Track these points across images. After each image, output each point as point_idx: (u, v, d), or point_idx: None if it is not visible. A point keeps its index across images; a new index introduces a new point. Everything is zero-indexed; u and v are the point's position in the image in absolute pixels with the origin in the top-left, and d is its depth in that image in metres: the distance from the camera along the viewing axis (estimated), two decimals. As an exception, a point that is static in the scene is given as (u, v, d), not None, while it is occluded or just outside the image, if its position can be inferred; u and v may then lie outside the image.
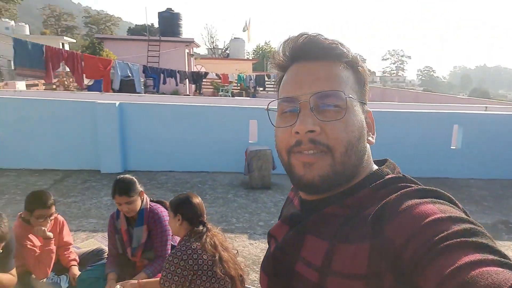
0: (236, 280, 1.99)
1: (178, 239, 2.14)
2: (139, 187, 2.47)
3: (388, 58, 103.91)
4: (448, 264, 0.45)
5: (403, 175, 0.67)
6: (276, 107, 0.71)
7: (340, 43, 0.67)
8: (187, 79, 12.03)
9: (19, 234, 2.40)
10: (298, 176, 0.65)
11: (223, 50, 36.08)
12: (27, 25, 32.29)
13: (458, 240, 0.48)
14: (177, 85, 12.04)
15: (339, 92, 0.63)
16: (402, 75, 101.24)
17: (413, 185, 0.63)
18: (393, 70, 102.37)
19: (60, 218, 2.71)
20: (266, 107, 0.74)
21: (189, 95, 15.31)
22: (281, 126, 0.67)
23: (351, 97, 0.65)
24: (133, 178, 2.50)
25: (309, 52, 0.66)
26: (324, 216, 0.65)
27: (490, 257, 0.45)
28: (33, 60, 8.20)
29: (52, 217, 2.49)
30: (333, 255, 0.60)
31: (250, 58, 34.57)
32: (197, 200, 2.10)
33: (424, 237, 0.50)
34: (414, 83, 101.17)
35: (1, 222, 1.93)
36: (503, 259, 0.45)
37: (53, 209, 2.46)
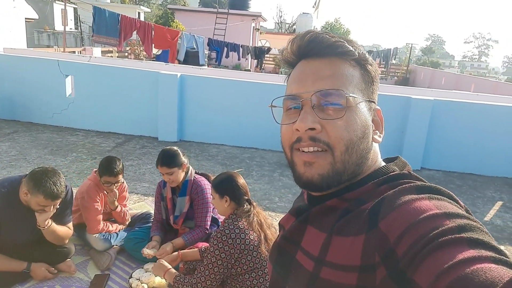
0: None
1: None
2: (182, 160, 2.58)
3: (471, 42, 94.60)
4: (443, 260, 0.45)
5: (409, 172, 0.66)
6: (282, 104, 0.72)
7: (347, 41, 0.67)
8: (249, 54, 12.08)
9: (90, 190, 2.65)
10: (298, 173, 0.67)
11: (290, 25, 35.36)
12: (108, -7, 34.22)
13: (453, 236, 0.47)
14: (239, 59, 12.14)
15: (340, 91, 0.64)
16: (485, 61, 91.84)
17: (416, 181, 0.62)
18: (475, 55, 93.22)
19: (125, 184, 2.95)
20: (270, 104, 0.75)
21: (249, 71, 15.38)
22: (284, 123, 0.69)
23: (352, 95, 0.64)
24: (177, 150, 2.59)
25: (314, 49, 0.67)
26: (324, 209, 0.67)
27: (485, 253, 0.45)
28: (109, 28, 8.77)
29: (118, 184, 2.71)
30: (329, 247, 0.62)
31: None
32: (241, 180, 2.13)
33: (419, 233, 0.50)
34: (497, 71, 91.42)
35: (59, 180, 2.13)
36: (498, 256, 0.45)
37: (120, 177, 2.66)
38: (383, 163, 0.72)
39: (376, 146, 0.71)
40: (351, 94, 0.64)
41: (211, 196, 2.14)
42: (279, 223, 0.81)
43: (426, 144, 5.28)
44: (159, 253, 2.45)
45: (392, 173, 0.66)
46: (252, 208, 2.03)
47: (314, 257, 0.64)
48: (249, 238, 1.92)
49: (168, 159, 2.52)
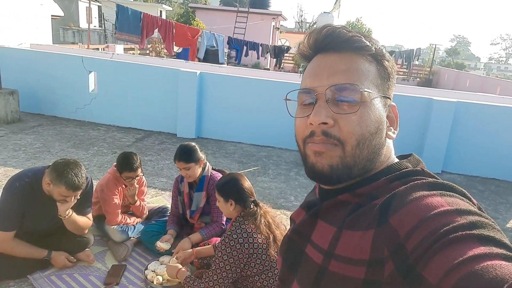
0: None
1: None
2: (200, 156, 2.60)
3: (498, 43, 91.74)
4: (453, 256, 0.45)
5: (422, 169, 0.66)
6: (297, 98, 0.72)
7: (364, 36, 0.67)
8: (268, 53, 12.07)
9: (110, 183, 2.73)
10: (310, 164, 0.68)
11: (310, 25, 35.15)
12: (131, -8, 34.75)
13: (464, 233, 0.47)
14: (258, 58, 12.15)
15: (355, 85, 0.63)
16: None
17: (428, 178, 0.62)
18: (502, 57, 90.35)
19: (144, 178, 3.01)
20: (285, 97, 0.75)
21: (269, 69, 15.37)
22: (298, 117, 0.69)
23: (367, 90, 0.64)
24: (195, 146, 2.62)
25: (330, 44, 0.67)
26: (336, 203, 0.68)
27: (496, 250, 0.45)
28: (131, 25, 8.93)
29: (137, 178, 2.77)
30: (338, 240, 0.62)
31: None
32: (244, 180, 2.11)
33: (429, 229, 0.50)
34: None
35: (80, 172, 2.19)
36: (509, 253, 0.44)
37: (139, 171, 2.72)
38: (396, 160, 0.71)
39: (390, 142, 0.71)
40: (366, 89, 0.64)
41: (217, 199, 2.11)
42: (290, 217, 0.82)
43: (448, 147, 5.16)
44: (177, 249, 2.48)
45: (404, 170, 0.66)
46: (258, 210, 2.00)
47: (323, 251, 0.64)
48: (257, 241, 1.90)
49: (185, 155, 2.55)
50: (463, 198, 0.56)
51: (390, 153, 0.71)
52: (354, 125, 0.63)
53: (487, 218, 0.51)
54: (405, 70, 20.55)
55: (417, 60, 20.08)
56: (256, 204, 2.06)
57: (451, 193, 0.56)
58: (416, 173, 0.64)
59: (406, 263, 0.50)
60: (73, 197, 2.21)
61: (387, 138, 0.69)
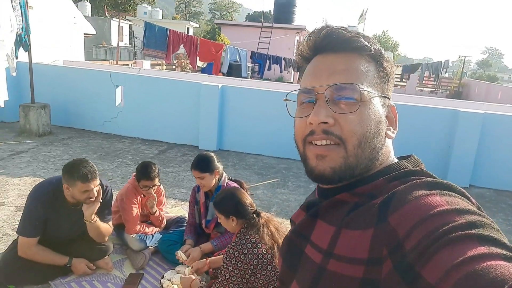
0: None
1: None
2: (215, 166, 2.63)
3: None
4: (452, 256, 0.45)
5: (421, 169, 0.65)
6: (296, 98, 0.73)
7: (363, 36, 0.67)
8: (291, 67, 12.14)
9: (129, 192, 2.80)
10: (310, 167, 0.68)
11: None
12: (161, 10, 36.10)
13: (463, 232, 0.47)
14: (281, 72, 12.23)
15: (354, 85, 0.64)
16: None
17: (427, 178, 0.61)
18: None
19: (162, 188, 3.08)
20: (285, 97, 0.76)
21: (292, 83, 15.42)
22: (298, 117, 0.70)
23: (367, 90, 0.65)
24: (212, 157, 2.65)
25: (329, 44, 0.68)
26: (334, 203, 0.68)
27: (496, 250, 0.44)
28: (158, 42, 9.24)
29: (155, 188, 2.83)
30: (337, 240, 0.62)
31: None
32: (240, 192, 2.11)
33: (428, 228, 0.49)
34: None
35: (88, 164, 2.25)
36: (508, 253, 0.44)
37: (156, 180, 2.78)
38: (396, 160, 0.71)
39: (389, 142, 0.71)
40: (365, 89, 0.64)
41: (218, 216, 2.12)
42: (290, 219, 0.82)
43: (476, 160, 4.96)
44: (189, 260, 2.51)
45: (404, 170, 0.66)
46: (260, 220, 2.01)
47: (322, 250, 0.64)
48: (262, 252, 1.90)
49: (201, 164, 2.59)
50: (462, 197, 0.56)
51: (389, 153, 0.71)
52: (355, 124, 0.63)
53: (486, 218, 0.50)
54: (433, 82, 20.08)
55: (446, 73, 19.58)
56: (258, 215, 2.06)
57: (450, 193, 0.55)
58: (416, 173, 0.64)
59: (405, 262, 0.49)
60: (95, 192, 2.26)
61: (386, 138, 0.69)
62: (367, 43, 0.66)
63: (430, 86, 21.32)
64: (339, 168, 0.64)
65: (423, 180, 0.59)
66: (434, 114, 5.13)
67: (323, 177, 0.66)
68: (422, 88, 20.75)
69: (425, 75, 16.58)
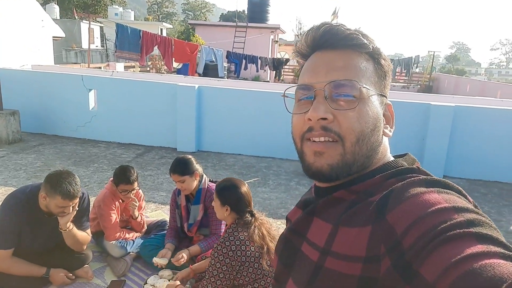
0: None
1: None
2: (195, 168, 2.59)
3: (498, 48, 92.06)
4: (451, 254, 0.45)
5: (418, 167, 0.65)
6: (294, 94, 0.73)
7: (361, 34, 0.67)
8: (267, 65, 12.18)
9: (107, 198, 2.72)
10: (307, 163, 0.67)
11: (309, 37, 35.43)
12: (132, 12, 35.44)
13: (462, 230, 0.47)
14: (257, 71, 12.25)
15: (354, 82, 0.64)
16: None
17: (424, 175, 0.62)
18: (503, 62, 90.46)
19: (141, 193, 3.02)
20: (283, 93, 0.76)
21: (269, 82, 15.49)
22: (296, 113, 0.70)
23: (366, 87, 0.65)
24: (190, 159, 2.62)
25: (328, 41, 0.67)
26: (331, 200, 0.67)
27: (494, 249, 0.44)
28: (131, 43, 9.06)
29: (134, 191, 2.77)
30: (335, 237, 0.62)
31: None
32: (245, 188, 2.09)
33: (427, 226, 0.49)
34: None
35: (74, 180, 2.18)
36: (507, 252, 0.44)
37: (136, 184, 2.72)
38: (392, 158, 0.72)
39: (385, 140, 0.71)
40: (364, 86, 0.64)
41: (214, 200, 2.11)
42: (286, 217, 0.81)
43: (448, 151, 5.13)
44: (175, 259, 2.47)
45: (400, 167, 0.66)
46: (253, 220, 2.00)
47: (319, 248, 0.64)
48: (250, 249, 1.90)
49: (180, 167, 2.55)
50: (460, 195, 0.56)
51: (386, 151, 0.71)
52: (353, 121, 0.63)
53: (484, 216, 0.51)
54: (405, 77, 20.60)
55: (417, 68, 20.13)
56: (252, 215, 2.04)
57: (448, 191, 0.56)
58: (412, 170, 0.64)
59: (403, 260, 0.49)
60: (71, 208, 2.20)
61: (383, 136, 0.69)
62: (365, 41, 0.66)
63: (402, 81, 21.87)
64: (337, 165, 0.64)
65: (420, 177, 0.60)
66: (407, 108, 5.27)
67: (321, 174, 0.66)
68: (394, 84, 21.25)
69: (397, 70, 16.98)
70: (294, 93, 0.73)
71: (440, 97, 7.24)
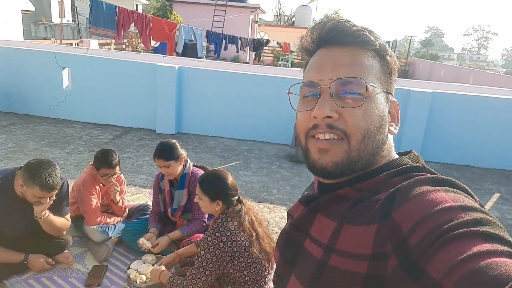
0: (271, 256, 1.99)
1: None
2: (180, 153, 2.55)
3: (470, 34, 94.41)
4: (457, 253, 0.45)
5: (423, 165, 0.66)
6: (298, 91, 0.71)
7: (368, 31, 0.66)
8: (247, 46, 12.01)
9: (87, 182, 2.65)
10: (312, 160, 0.67)
11: (289, 18, 35.15)
12: (105, -15, 33.78)
13: (468, 229, 0.47)
14: (237, 51, 12.07)
15: (360, 79, 0.63)
16: (484, 53, 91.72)
17: (430, 174, 0.62)
18: (475, 48, 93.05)
19: (122, 177, 2.95)
20: (288, 90, 0.74)
21: (248, 63, 15.32)
22: (301, 110, 0.69)
23: (372, 85, 0.64)
24: (175, 143, 2.57)
25: (334, 37, 0.66)
26: (336, 198, 0.67)
27: (500, 247, 0.45)
28: (106, 20, 8.67)
29: (116, 176, 2.70)
30: (339, 235, 0.62)
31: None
32: (230, 178, 2.05)
33: (433, 224, 0.50)
34: (496, 64, 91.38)
35: (54, 172, 2.11)
36: None
37: (117, 169, 2.66)
38: (396, 156, 0.72)
39: (390, 138, 0.71)
40: (371, 83, 0.64)
41: (197, 195, 2.01)
42: (287, 212, 0.81)
43: (425, 136, 5.28)
44: (157, 249, 2.45)
45: (405, 166, 0.66)
46: (242, 207, 1.98)
47: (323, 245, 0.64)
48: (240, 239, 1.88)
49: (165, 152, 2.50)
50: (466, 194, 0.56)
51: (390, 149, 0.71)
52: (359, 119, 0.63)
53: (490, 216, 0.51)
54: (382, 61, 20.86)
55: (394, 52, 20.41)
56: (240, 201, 2.03)
57: (455, 189, 0.56)
58: (417, 169, 0.64)
59: (409, 258, 0.50)
60: (48, 198, 2.13)
61: (388, 134, 0.69)
62: (372, 38, 0.65)
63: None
64: (342, 162, 0.64)
65: (427, 176, 0.60)
66: (387, 93, 5.33)
67: (325, 171, 0.65)
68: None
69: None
70: (294, 89, 0.72)
71: (417, 82, 7.38)
